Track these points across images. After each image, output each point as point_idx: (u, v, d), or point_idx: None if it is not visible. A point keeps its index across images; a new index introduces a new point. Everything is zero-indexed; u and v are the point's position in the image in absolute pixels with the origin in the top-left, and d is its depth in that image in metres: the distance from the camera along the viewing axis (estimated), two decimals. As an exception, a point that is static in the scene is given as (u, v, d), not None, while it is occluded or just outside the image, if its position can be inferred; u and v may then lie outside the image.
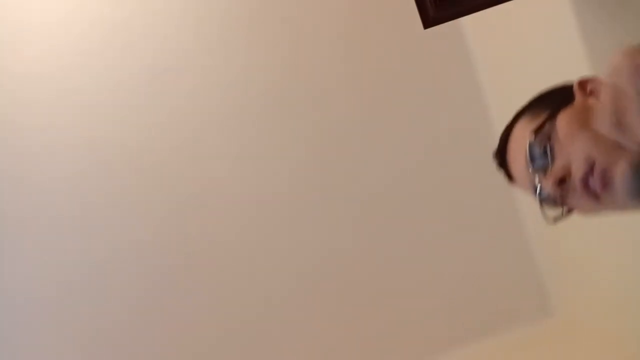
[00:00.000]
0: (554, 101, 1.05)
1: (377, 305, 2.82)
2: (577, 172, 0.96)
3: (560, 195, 1.00)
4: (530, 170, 1.02)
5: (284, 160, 2.82)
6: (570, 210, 1.05)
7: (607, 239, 2.11)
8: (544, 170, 1.00)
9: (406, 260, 2.82)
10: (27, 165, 2.75)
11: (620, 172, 0.93)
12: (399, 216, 2.84)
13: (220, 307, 2.79)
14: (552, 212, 1.04)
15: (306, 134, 2.83)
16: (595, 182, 0.95)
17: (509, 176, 1.12)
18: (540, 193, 1.02)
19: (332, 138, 2.83)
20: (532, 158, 1.01)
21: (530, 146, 1.01)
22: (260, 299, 2.79)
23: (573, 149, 0.97)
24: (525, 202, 2.70)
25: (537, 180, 1.01)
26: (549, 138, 1.00)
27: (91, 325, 2.75)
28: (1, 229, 2.73)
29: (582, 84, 1.06)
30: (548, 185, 0.99)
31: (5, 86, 2.72)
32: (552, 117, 1.01)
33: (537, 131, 1.01)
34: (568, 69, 2.14)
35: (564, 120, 1.00)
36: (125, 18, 2.76)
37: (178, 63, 2.79)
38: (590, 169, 0.95)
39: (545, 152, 1.00)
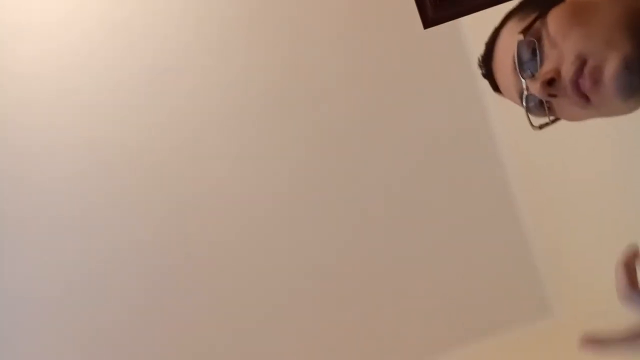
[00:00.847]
0: (543, 1, 0.99)
1: (377, 305, 2.82)
2: (568, 71, 0.90)
3: (547, 99, 0.94)
4: (517, 73, 0.95)
5: (283, 160, 2.82)
6: (556, 117, 1.00)
7: (607, 239, 2.11)
8: (532, 73, 0.94)
9: (406, 260, 2.82)
10: (27, 165, 2.75)
11: (612, 69, 0.87)
12: (399, 216, 2.84)
13: (220, 307, 2.79)
14: (539, 119, 0.99)
15: (306, 134, 2.83)
16: (585, 81, 0.89)
17: (495, 85, 1.06)
18: (527, 98, 0.96)
19: (331, 138, 2.83)
20: (520, 60, 0.95)
21: (519, 47, 0.94)
22: (260, 300, 2.79)
23: (564, 46, 0.91)
24: (525, 202, 2.70)
25: (524, 84, 0.95)
26: (539, 38, 0.93)
27: (91, 325, 2.75)
28: (1, 229, 2.73)
29: None
30: (536, 88, 0.92)
31: (5, 86, 2.72)
32: (542, 15, 0.95)
33: (526, 30, 0.94)
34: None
35: (554, 17, 0.93)
36: (125, 18, 2.76)
37: (178, 63, 2.79)
38: (581, 68, 0.89)
39: (534, 52, 0.93)
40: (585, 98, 0.91)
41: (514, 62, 0.96)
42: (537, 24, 0.94)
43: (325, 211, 2.83)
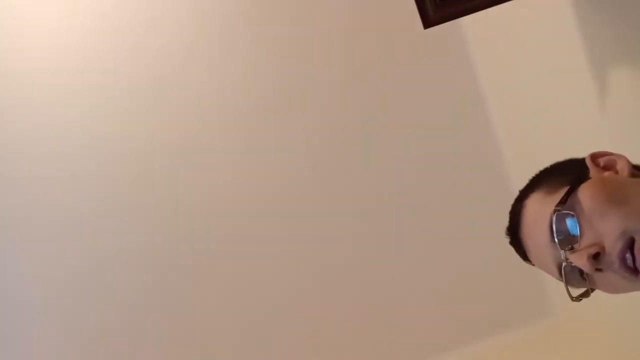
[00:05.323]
0: (567, 175, 1.04)
1: (377, 305, 2.82)
2: (614, 247, 0.94)
3: (593, 273, 0.97)
4: (556, 246, 0.98)
5: (284, 160, 2.82)
6: (593, 288, 1.03)
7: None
8: (570, 245, 0.97)
9: (406, 260, 2.82)
10: (28, 166, 2.75)
11: None
12: (399, 216, 2.84)
13: (220, 307, 2.79)
14: (576, 290, 1.02)
15: (306, 134, 2.83)
16: (637, 258, 0.93)
17: (523, 253, 1.10)
18: (565, 269, 0.99)
19: (330, 137, 2.83)
20: (558, 233, 0.98)
21: (557, 220, 0.97)
22: (260, 300, 2.79)
23: (603, 224, 0.95)
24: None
25: (563, 256, 0.98)
26: (573, 211, 0.97)
27: (91, 325, 2.74)
28: (1, 229, 2.73)
29: (594, 158, 1.05)
30: (581, 260, 0.95)
31: (5, 86, 2.72)
32: (572, 190, 0.99)
33: (561, 204, 0.98)
34: (568, 69, 2.14)
35: (588, 195, 0.97)
36: (126, 19, 2.76)
37: (180, 64, 2.79)
38: (628, 244, 0.93)
39: (571, 226, 0.97)
40: (636, 272, 0.94)
41: (552, 235, 0.99)
42: (570, 199, 0.98)
43: (326, 212, 2.83)
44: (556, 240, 0.98)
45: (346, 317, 2.80)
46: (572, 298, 1.03)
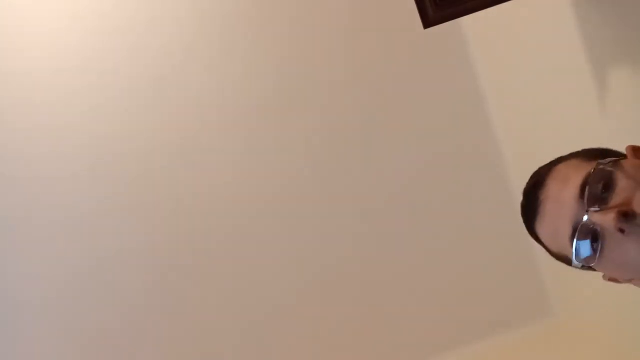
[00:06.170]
0: (607, 155, 1.03)
1: (378, 305, 2.82)
2: None
3: (615, 231, 0.94)
4: (583, 201, 0.96)
5: (284, 161, 2.82)
6: (594, 269, 1.01)
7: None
8: (597, 204, 0.95)
9: (406, 260, 2.82)
10: (28, 166, 2.75)
11: None
12: (399, 217, 2.84)
13: (220, 307, 2.79)
14: (581, 259, 1.00)
15: (305, 134, 2.83)
16: None
17: (532, 216, 1.07)
18: (581, 228, 0.97)
19: (330, 137, 2.83)
20: (591, 188, 0.96)
21: (594, 174, 0.96)
22: (261, 300, 2.79)
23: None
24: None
25: (586, 214, 0.96)
26: (610, 175, 0.96)
27: (91, 325, 2.75)
28: (1, 229, 2.74)
29: (635, 149, 1.04)
30: (608, 217, 0.93)
31: (6, 87, 2.72)
32: (616, 160, 0.99)
33: (605, 163, 0.98)
34: (568, 69, 2.14)
35: (629, 164, 0.98)
36: (126, 19, 2.76)
37: (180, 64, 2.79)
38: None
39: (606, 186, 0.95)
40: None
41: (582, 191, 0.97)
42: (612, 163, 0.98)
43: (326, 212, 2.83)
44: (587, 194, 0.96)
45: (346, 317, 2.80)
46: (577, 259, 0.99)
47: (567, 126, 2.26)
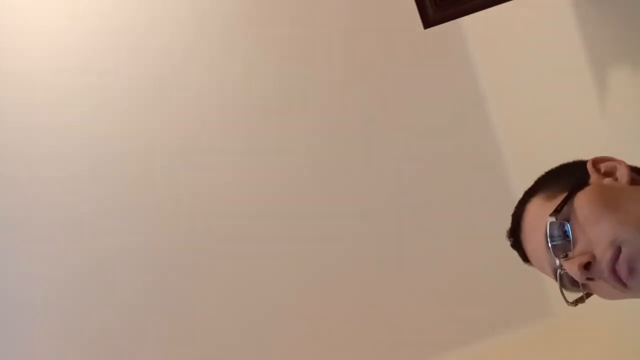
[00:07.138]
0: (567, 180, 1.04)
1: (377, 305, 2.82)
2: (603, 256, 0.94)
3: (584, 282, 0.97)
4: (550, 252, 0.99)
5: (284, 161, 2.82)
6: (590, 294, 1.03)
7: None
8: (564, 252, 0.98)
9: (406, 260, 2.82)
10: (28, 166, 2.75)
11: None
12: (399, 216, 2.84)
13: (220, 307, 2.79)
14: (572, 294, 1.02)
15: (305, 135, 2.83)
16: (621, 268, 0.92)
17: (524, 256, 1.10)
18: (561, 276, 0.99)
19: (330, 137, 2.83)
20: (552, 240, 0.98)
21: (551, 228, 0.98)
22: (262, 301, 2.79)
23: (595, 231, 0.95)
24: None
25: (557, 263, 0.99)
26: (568, 219, 0.97)
27: (91, 325, 2.75)
28: (1, 229, 2.73)
29: (595, 163, 1.05)
30: (572, 269, 0.96)
31: (5, 86, 2.72)
32: (569, 197, 0.99)
33: (556, 213, 0.98)
34: (568, 69, 2.14)
35: (583, 203, 0.97)
36: (126, 19, 2.76)
37: (180, 64, 2.79)
38: (616, 254, 0.92)
39: (565, 234, 0.97)
40: (623, 283, 0.94)
41: (546, 242, 0.99)
42: (566, 207, 0.99)
43: (327, 212, 2.83)
44: (550, 247, 0.99)
45: (346, 317, 2.80)
46: (567, 303, 1.03)
47: (567, 126, 2.26)
